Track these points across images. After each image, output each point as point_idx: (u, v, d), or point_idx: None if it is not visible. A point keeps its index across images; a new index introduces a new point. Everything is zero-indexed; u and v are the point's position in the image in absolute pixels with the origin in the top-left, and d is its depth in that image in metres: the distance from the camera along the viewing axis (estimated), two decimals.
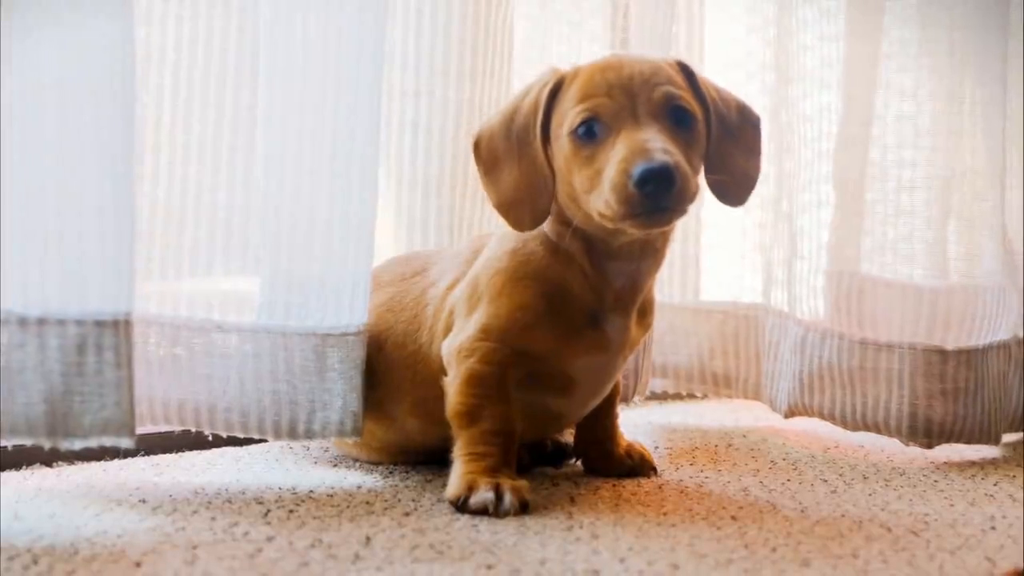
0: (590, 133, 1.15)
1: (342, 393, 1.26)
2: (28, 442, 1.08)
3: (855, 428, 1.56)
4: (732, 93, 1.28)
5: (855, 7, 1.59)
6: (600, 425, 1.36)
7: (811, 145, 1.61)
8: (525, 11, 1.63)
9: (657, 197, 1.09)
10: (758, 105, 1.69)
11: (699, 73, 1.23)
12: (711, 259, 1.81)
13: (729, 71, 1.77)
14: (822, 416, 1.58)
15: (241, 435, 1.27)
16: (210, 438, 1.37)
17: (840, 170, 1.60)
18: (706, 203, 1.77)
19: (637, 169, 1.08)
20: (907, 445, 1.54)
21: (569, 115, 1.16)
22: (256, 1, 1.27)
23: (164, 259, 1.28)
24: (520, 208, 1.21)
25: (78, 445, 1.08)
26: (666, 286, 1.74)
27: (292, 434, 1.26)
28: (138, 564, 0.95)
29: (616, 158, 1.11)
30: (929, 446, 1.53)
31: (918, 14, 1.57)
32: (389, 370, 1.29)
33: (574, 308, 1.21)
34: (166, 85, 1.27)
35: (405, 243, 1.51)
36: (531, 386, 1.23)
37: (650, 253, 1.23)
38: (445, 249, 1.42)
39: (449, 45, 1.50)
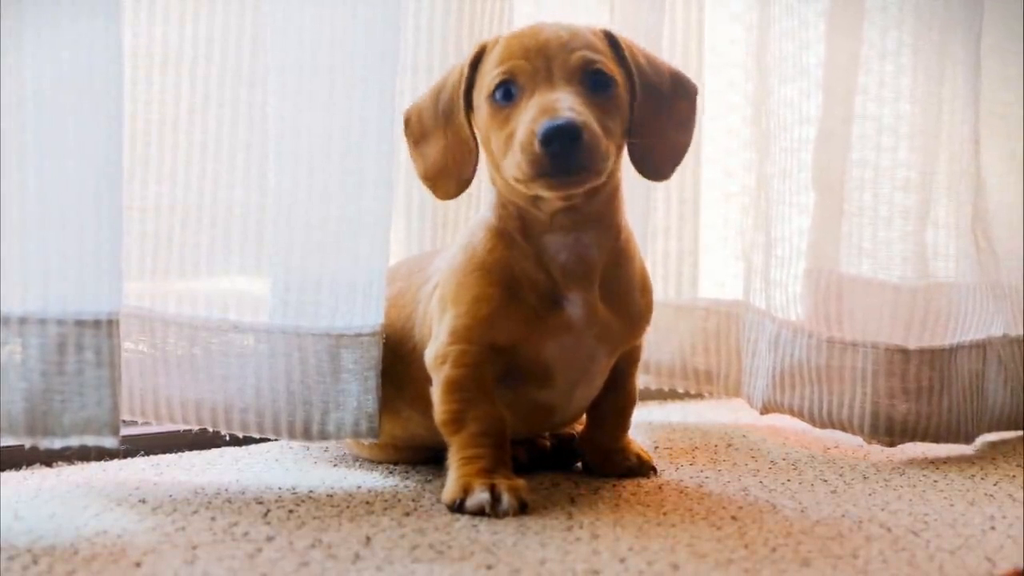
0: (507, 96, 1.16)
1: (356, 394, 1.26)
2: (8, 440, 1.09)
3: (823, 426, 1.56)
4: (667, 63, 1.28)
5: (837, 7, 1.59)
6: (607, 431, 1.35)
7: (795, 147, 1.60)
8: (525, 10, 1.63)
9: (563, 156, 1.09)
10: (753, 100, 1.70)
11: (627, 41, 1.24)
12: (698, 256, 1.80)
13: (729, 70, 1.77)
14: (792, 413, 1.59)
15: (257, 435, 1.28)
16: (212, 435, 1.37)
17: (820, 170, 1.60)
18: (702, 201, 1.79)
19: (541, 127, 1.09)
20: (869, 443, 1.55)
21: (487, 79, 1.18)
22: None
23: (183, 258, 1.29)
24: (446, 177, 1.24)
25: (58, 444, 1.08)
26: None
27: (307, 435, 1.27)
28: (138, 564, 0.95)
29: (526, 118, 1.12)
30: (891, 444, 1.53)
31: (900, 14, 1.57)
32: (394, 363, 1.29)
33: (528, 291, 1.21)
34: (183, 84, 1.28)
35: (392, 240, 1.50)
36: (512, 380, 1.23)
37: (587, 224, 1.21)
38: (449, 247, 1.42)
39: (432, 42, 1.50)
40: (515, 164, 1.13)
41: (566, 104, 1.11)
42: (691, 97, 1.27)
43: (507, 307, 1.20)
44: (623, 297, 1.26)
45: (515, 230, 1.22)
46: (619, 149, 1.21)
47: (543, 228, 1.21)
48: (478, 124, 1.21)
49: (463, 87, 1.21)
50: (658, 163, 1.25)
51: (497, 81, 1.17)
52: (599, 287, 1.23)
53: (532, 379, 1.24)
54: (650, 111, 1.22)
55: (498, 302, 1.20)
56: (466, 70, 1.21)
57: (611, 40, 1.22)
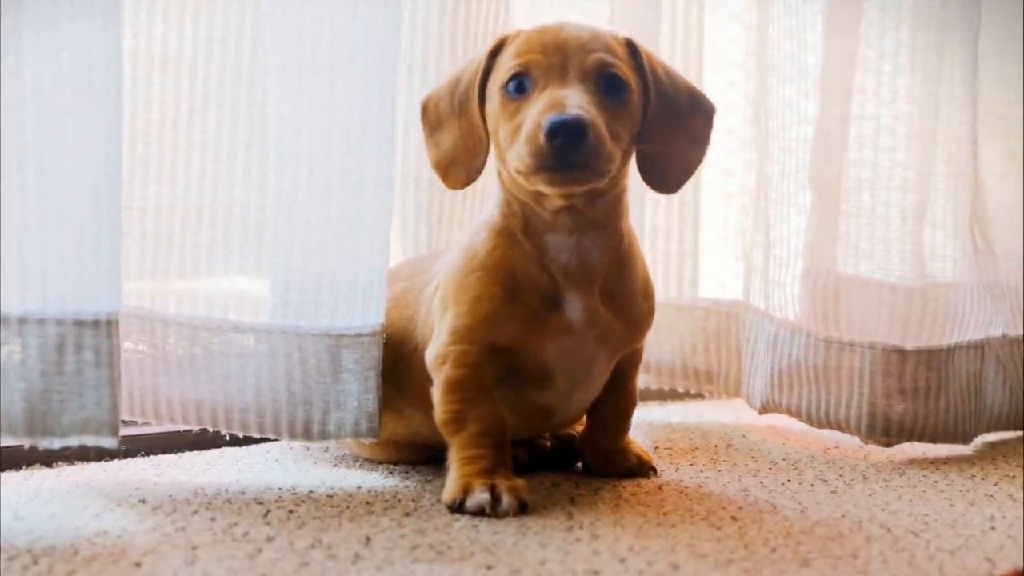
0: (520, 88, 1.17)
1: (357, 394, 1.26)
2: (8, 440, 1.09)
3: (820, 425, 1.56)
4: (687, 79, 1.29)
5: (835, 7, 1.59)
6: (607, 432, 1.35)
7: (794, 146, 1.60)
8: (523, 11, 1.63)
9: (566, 151, 1.09)
10: (753, 100, 1.70)
11: (648, 52, 1.24)
12: (698, 257, 1.80)
13: (729, 69, 1.77)
14: (790, 413, 1.59)
15: (257, 435, 1.28)
16: (212, 435, 1.37)
17: (817, 169, 1.60)
18: (702, 202, 1.79)
19: (548, 120, 1.09)
20: (866, 443, 1.55)
21: (502, 70, 1.18)
22: None
23: (183, 258, 1.29)
24: (456, 167, 1.24)
25: (57, 444, 1.09)
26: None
27: (307, 435, 1.27)
28: (138, 564, 0.95)
29: (534, 111, 1.13)
30: (888, 444, 1.53)
31: (898, 14, 1.57)
32: (396, 364, 1.29)
33: (529, 290, 1.21)
34: (183, 84, 1.28)
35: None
36: (512, 381, 1.23)
37: (590, 227, 1.21)
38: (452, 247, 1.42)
39: (428, 43, 1.50)
40: (519, 156, 1.13)
41: (575, 101, 1.11)
42: (707, 115, 1.27)
43: (507, 307, 1.20)
44: (625, 301, 1.25)
45: (518, 228, 1.22)
46: (626, 155, 1.21)
47: (545, 227, 1.21)
48: (489, 115, 1.21)
49: (479, 77, 1.21)
50: (666, 175, 1.25)
51: (511, 73, 1.17)
52: (601, 291, 1.23)
53: (532, 380, 1.24)
54: (663, 123, 1.22)
55: (498, 302, 1.20)
56: (484, 60, 1.21)
57: (632, 48, 1.22)
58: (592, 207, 1.20)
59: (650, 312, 1.30)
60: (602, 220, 1.22)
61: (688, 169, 1.27)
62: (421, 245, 1.53)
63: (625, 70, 1.18)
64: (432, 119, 1.26)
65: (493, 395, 1.22)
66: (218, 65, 1.29)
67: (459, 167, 1.24)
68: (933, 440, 1.54)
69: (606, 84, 1.16)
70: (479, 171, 1.23)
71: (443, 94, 1.25)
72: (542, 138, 1.10)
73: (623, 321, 1.25)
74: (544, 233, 1.21)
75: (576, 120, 1.09)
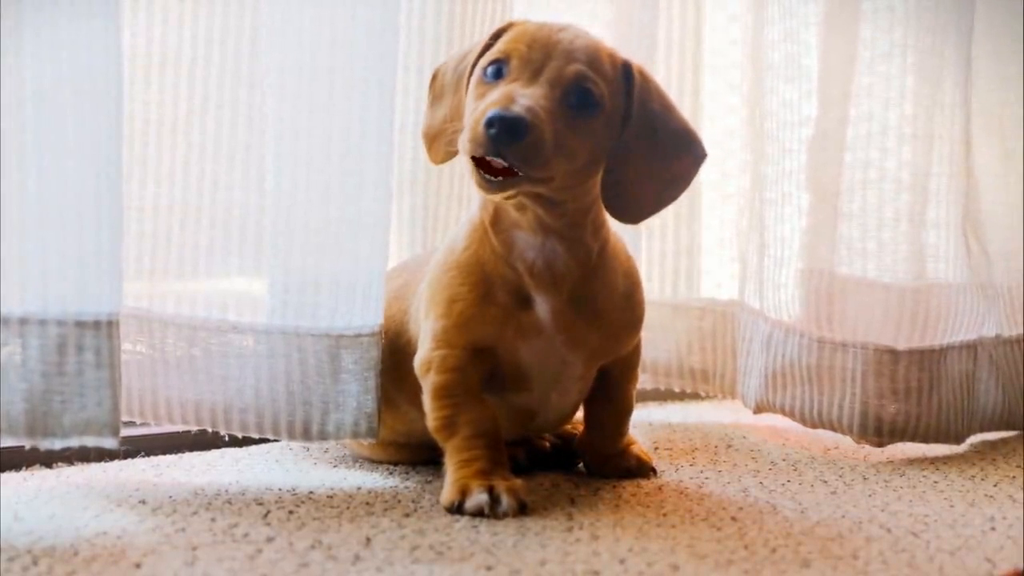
0: (497, 74, 1.16)
1: (356, 395, 1.26)
2: (9, 441, 1.09)
3: (813, 425, 1.57)
4: (686, 120, 1.25)
5: (833, 8, 1.59)
6: (605, 436, 1.34)
7: (791, 148, 1.60)
8: (522, 11, 1.63)
9: (497, 144, 1.08)
10: (748, 102, 1.70)
11: (648, 82, 1.21)
12: (692, 255, 1.80)
13: (728, 71, 1.77)
14: (783, 412, 1.59)
15: (256, 435, 1.28)
16: (213, 436, 1.37)
17: (814, 171, 1.59)
18: (701, 203, 1.79)
19: (491, 111, 1.09)
20: (858, 443, 1.55)
21: (489, 54, 1.18)
22: None
23: (181, 259, 1.29)
24: (439, 141, 1.24)
25: (59, 445, 1.09)
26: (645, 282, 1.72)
27: (306, 435, 1.27)
28: (138, 565, 0.95)
29: (489, 99, 1.12)
30: (880, 444, 1.54)
31: (893, 16, 1.57)
32: (392, 355, 1.30)
33: (499, 287, 1.20)
34: (182, 85, 1.28)
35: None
36: (493, 384, 1.23)
37: (554, 235, 1.20)
38: None
39: (423, 43, 1.50)
40: (463, 138, 1.12)
41: (525, 101, 1.10)
42: (696, 158, 1.23)
43: (480, 306, 1.20)
44: (601, 311, 1.24)
45: (489, 221, 1.22)
46: (584, 173, 1.18)
47: (513, 223, 1.20)
48: (468, 93, 1.20)
49: (476, 56, 1.20)
50: (627, 204, 1.21)
51: (493, 57, 1.16)
52: (572, 296, 1.21)
53: (511, 382, 1.24)
54: (639, 151, 1.19)
55: (471, 301, 1.20)
56: (486, 41, 1.20)
57: (626, 72, 1.19)
58: (551, 215, 1.19)
59: (633, 323, 1.28)
60: (565, 230, 1.20)
61: (655, 205, 1.24)
62: (418, 247, 1.53)
63: (602, 88, 1.15)
64: (436, 89, 1.26)
65: (482, 397, 1.22)
66: (217, 66, 1.29)
67: (441, 141, 1.24)
68: (925, 440, 1.54)
69: (576, 97, 1.14)
70: (455, 151, 1.20)
71: (450, 67, 1.26)
72: (481, 125, 1.09)
73: (599, 330, 1.24)
74: (512, 229, 1.21)
75: (516, 118, 1.08)
